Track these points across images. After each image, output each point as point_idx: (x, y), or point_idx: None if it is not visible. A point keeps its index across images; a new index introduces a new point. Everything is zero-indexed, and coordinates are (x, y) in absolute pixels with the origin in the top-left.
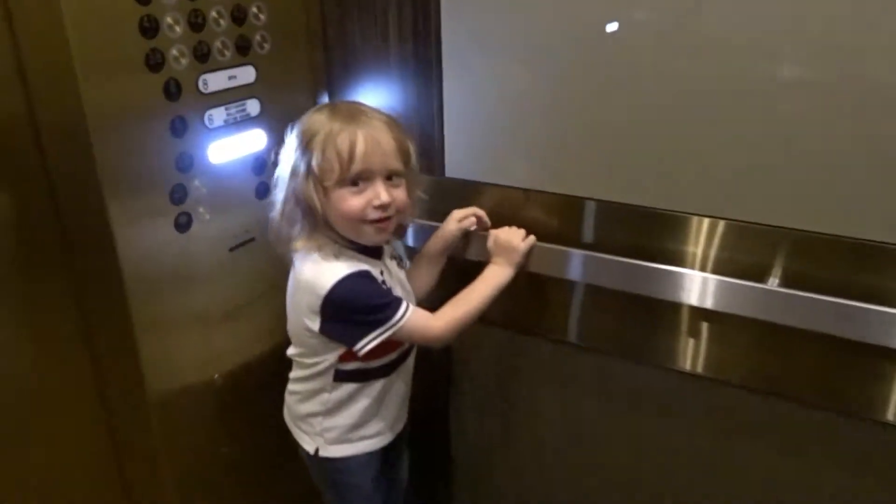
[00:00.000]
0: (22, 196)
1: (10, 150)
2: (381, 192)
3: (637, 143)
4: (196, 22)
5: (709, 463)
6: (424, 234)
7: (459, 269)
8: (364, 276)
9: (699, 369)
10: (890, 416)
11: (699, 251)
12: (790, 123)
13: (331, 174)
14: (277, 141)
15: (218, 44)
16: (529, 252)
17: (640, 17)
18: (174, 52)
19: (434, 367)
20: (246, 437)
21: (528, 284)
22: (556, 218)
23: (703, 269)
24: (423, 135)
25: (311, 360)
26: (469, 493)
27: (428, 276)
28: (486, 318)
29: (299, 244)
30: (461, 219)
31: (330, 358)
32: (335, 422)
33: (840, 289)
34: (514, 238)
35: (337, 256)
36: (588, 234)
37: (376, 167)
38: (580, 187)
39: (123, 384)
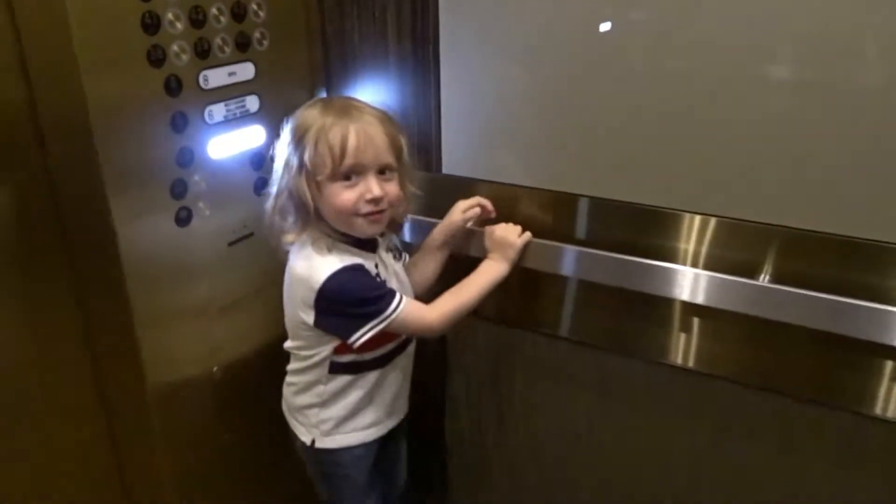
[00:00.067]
0: (23, 190)
1: (11, 144)
2: (373, 187)
3: (631, 142)
4: (197, 18)
5: (701, 457)
6: (421, 230)
7: (459, 265)
8: (357, 269)
9: (691, 364)
10: (879, 411)
11: (691, 248)
12: (782, 122)
13: (323, 168)
14: (276, 137)
15: (218, 40)
16: (525, 248)
17: (633, 17)
18: (175, 48)
19: (429, 362)
20: (245, 429)
21: (523, 280)
22: (551, 214)
23: (694, 265)
24: (420, 132)
25: (307, 352)
26: (465, 492)
27: (429, 268)
28: (480, 312)
29: (292, 237)
30: (465, 209)
31: (325, 350)
32: (330, 413)
33: (830, 285)
34: (510, 234)
35: (330, 250)
36: (582, 230)
37: (368, 161)
38: (575, 185)
39: (123, 378)
